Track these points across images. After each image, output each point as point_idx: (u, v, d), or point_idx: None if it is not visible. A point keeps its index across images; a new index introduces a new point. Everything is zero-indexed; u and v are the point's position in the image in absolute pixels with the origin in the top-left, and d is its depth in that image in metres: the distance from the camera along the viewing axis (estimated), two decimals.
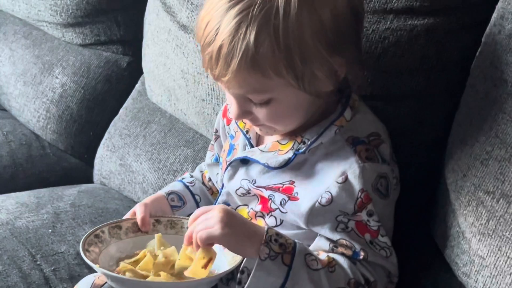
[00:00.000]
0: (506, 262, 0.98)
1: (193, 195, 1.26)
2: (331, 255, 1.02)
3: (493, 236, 1.00)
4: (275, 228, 1.07)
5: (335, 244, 1.03)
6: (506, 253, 0.98)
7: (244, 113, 1.05)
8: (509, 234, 0.98)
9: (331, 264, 1.00)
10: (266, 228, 0.99)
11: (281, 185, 1.07)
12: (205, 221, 1.00)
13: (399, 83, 1.19)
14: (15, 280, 1.27)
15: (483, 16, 1.14)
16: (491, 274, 1.00)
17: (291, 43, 0.97)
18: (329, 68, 1.02)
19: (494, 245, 0.99)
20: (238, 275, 1.02)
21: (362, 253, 1.01)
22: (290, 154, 1.07)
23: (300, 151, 1.06)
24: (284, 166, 1.07)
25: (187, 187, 1.27)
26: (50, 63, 1.86)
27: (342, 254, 1.02)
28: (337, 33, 1.00)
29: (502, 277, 0.99)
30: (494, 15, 1.09)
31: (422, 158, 1.22)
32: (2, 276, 1.28)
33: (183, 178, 1.30)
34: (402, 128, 1.20)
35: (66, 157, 1.82)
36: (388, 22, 1.17)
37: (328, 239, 1.03)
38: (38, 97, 1.84)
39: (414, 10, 1.16)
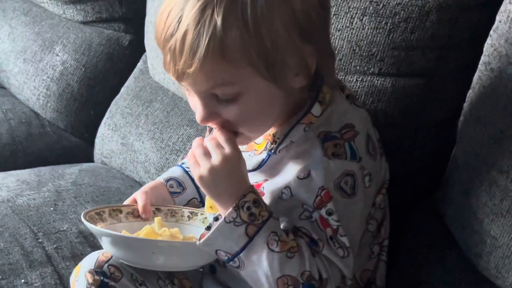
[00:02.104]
0: None
1: (192, 179, 1.24)
2: (298, 240, 1.00)
3: (506, 216, 0.98)
4: None
5: (297, 228, 1.01)
6: None
7: (211, 114, 0.98)
8: None
9: (292, 250, 0.98)
10: (246, 192, 0.97)
11: (255, 183, 1.05)
12: (203, 156, 0.98)
13: (409, 60, 1.17)
14: (17, 257, 1.26)
15: None
16: (503, 254, 0.99)
17: (261, 26, 0.92)
18: (300, 57, 0.97)
19: (507, 225, 0.98)
20: (212, 220, 1.00)
21: (319, 243, 0.99)
22: (264, 155, 1.05)
23: (272, 151, 1.04)
24: (258, 168, 1.05)
25: (186, 172, 1.25)
26: (51, 40, 1.84)
27: (301, 238, 1.00)
28: (308, 20, 0.96)
29: None
30: None
31: (431, 138, 1.20)
32: (4, 253, 1.26)
33: (182, 163, 1.28)
34: (411, 106, 1.18)
35: (66, 136, 1.80)
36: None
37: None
38: (38, 74, 1.82)
39: None
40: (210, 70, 0.94)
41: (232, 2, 0.92)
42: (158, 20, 0.97)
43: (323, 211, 0.99)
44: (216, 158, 0.98)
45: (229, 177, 0.98)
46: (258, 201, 0.98)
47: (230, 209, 0.97)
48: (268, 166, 1.04)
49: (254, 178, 1.05)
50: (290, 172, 1.02)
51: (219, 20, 0.91)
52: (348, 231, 1.00)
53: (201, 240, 0.99)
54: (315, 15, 0.97)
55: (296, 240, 0.99)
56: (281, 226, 1.02)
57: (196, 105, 1.00)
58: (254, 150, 1.06)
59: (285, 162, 1.03)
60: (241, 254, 0.98)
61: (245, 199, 0.97)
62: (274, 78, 0.96)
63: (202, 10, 0.92)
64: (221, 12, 0.91)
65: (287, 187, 1.00)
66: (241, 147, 1.07)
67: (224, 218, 0.97)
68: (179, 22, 0.93)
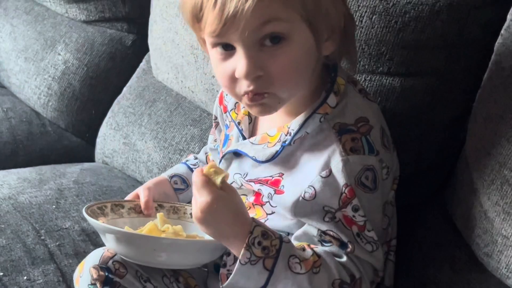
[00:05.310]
0: None
1: None
2: (319, 250, 0.99)
3: None
4: (268, 216, 1.05)
5: (323, 232, 1.00)
6: None
7: (255, 67, 0.97)
8: None
9: (316, 265, 0.97)
10: (252, 227, 0.96)
11: (271, 178, 1.04)
12: (194, 198, 0.97)
13: (418, 59, 1.16)
14: (19, 254, 1.24)
15: None
16: None
17: None
18: (337, 11, 1.00)
19: None
20: (224, 256, 1.01)
21: (349, 245, 0.99)
22: (277, 147, 1.04)
23: (286, 143, 1.03)
24: (272, 159, 1.04)
25: (190, 169, 1.25)
26: (53, 39, 1.82)
27: (330, 242, 1.00)
28: None
29: None
30: None
31: (440, 137, 1.19)
32: (6, 250, 1.25)
33: (187, 161, 1.29)
34: (421, 105, 1.17)
35: (67, 136, 1.79)
36: None
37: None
38: (40, 73, 1.80)
39: None
40: (265, 5, 0.94)
41: None
42: None
43: (348, 208, 0.98)
44: (199, 203, 0.96)
45: (225, 216, 0.96)
46: (266, 233, 0.97)
47: (243, 250, 0.96)
48: (281, 158, 1.03)
49: (268, 172, 1.04)
50: (308, 167, 1.01)
51: None
52: (374, 225, 0.99)
53: (224, 284, 0.99)
54: None
55: (315, 253, 0.98)
56: (301, 231, 1.02)
57: (238, 62, 0.98)
58: (268, 143, 1.06)
59: (299, 155, 1.02)
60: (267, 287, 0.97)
61: (253, 235, 0.96)
62: (316, 29, 0.97)
63: None
64: None
65: (310, 186, 0.99)
66: (254, 140, 1.07)
67: (239, 261, 0.96)
68: None
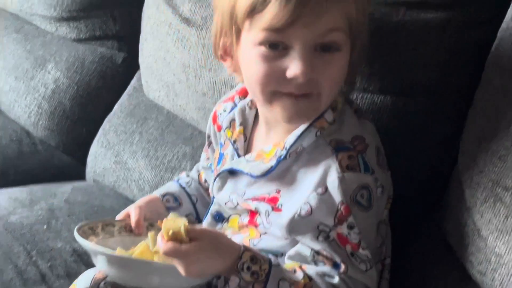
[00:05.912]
0: None
1: (189, 195, 1.24)
2: (310, 272, 0.99)
3: (511, 233, 0.97)
4: (262, 236, 1.05)
5: (316, 251, 1.00)
6: None
7: (311, 71, 0.98)
8: None
9: (307, 287, 0.97)
10: (240, 253, 0.96)
11: (268, 195, 1.04)
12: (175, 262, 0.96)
13: (410, 78, 1.16)
14: (11, 275, 1.24)
15: (497, 11, 1.12)
16: (508, 272, 0.97)
17: None
18: (364, 36, 1.04)
19: None
20: (214, 280, 1.00)
21: (342, 266, 0.99)
22: (273, 162, 1.04)
23: (282, 157, 1.03)
24: (267, 174, 1.04)
25: (183, 187, 1.25)
26: (43, 58, 1.82)
27: (323, 262, 1.00)
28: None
29: None
30: (511, 9, 1.07)
31: (432, 155, 1.19)
32: None
33: (179, 179, 1.28)
34: (413, 124, 1.18)
35: (58, 154, 1.78)
36: (401, 15, 1.14)
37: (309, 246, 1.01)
38: (30, 92, 1.80)
39: (428, 3, 1.14)
40: (335, 14, 0.97)
41: None
42: None
43: (344, 226, 0.98)
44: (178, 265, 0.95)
45: (211, 260, 0.96)
46: (254, 257, 0.97)
47: (232, 276, 0.96)
48: (277, 174, 1.03)
49: (264, 189, 1.04)
50: (305, 183, 1.01)
51: None
52: (369, 244, 0.99)
53: None
54: None
55: (306, 275, 0.98)
56: (294, 250, 1.01)
57: (291, 62, 0.98)
58: (263, 159, 1.06)
59: (295, 170, 1.02)
60: None
61: (242, 261, 0.96)
62: (355, 44, 1.02)
63: None
64: None
65: (306, 203, 0.99)
66: (250, 157, 1.08)
67: (229, 286, 0.96)
68: None
